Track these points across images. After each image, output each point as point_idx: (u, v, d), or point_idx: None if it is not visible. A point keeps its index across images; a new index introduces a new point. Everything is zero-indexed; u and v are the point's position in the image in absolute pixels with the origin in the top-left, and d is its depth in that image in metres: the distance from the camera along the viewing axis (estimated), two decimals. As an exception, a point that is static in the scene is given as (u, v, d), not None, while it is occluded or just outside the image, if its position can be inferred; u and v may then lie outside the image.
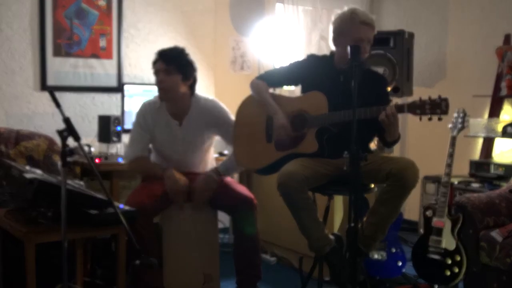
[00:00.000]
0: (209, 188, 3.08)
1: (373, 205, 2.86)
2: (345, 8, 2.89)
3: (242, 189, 3.19)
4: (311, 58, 3.06)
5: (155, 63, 3.09)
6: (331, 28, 2.94)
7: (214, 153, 3.50)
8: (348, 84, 2.47)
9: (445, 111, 2.59)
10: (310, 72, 3.00)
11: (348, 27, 2.84)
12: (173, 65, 3.02)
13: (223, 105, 3.23)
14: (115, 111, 4.20)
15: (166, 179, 3.02)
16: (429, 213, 3.19)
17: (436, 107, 2.60)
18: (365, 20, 2.83)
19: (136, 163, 3.18)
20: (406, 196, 2.81)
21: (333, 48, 2.98)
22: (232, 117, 3.20)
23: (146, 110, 3.16)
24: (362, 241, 2.73)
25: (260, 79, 3.11)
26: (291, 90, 4.16)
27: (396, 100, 3.14)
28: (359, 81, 2.44)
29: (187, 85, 3.11)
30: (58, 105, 2.32)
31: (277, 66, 3.32)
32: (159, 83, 3.06)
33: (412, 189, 2.76)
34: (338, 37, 2.91)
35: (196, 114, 3.15)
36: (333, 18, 2.93)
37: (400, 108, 2.68)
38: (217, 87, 4.73)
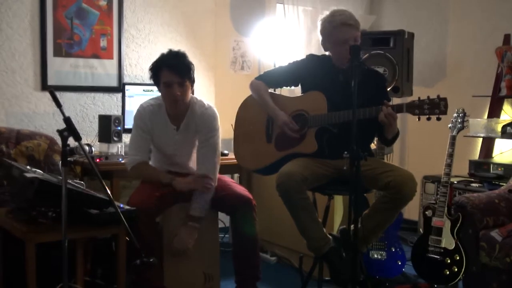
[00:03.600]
0: (192, 239, 3.07)
1: (369, 211, 2.86)
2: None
3: (241, 190, 3.19)
4: (311, 57, 3.07)
5: (159, 70, 3.01)
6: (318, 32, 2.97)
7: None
8: (347, 83, 2.48)
9: (444, 111, 2.58)
10: (309, 72, 3.01)
11: (329, 31, 2.88)
12: (187, 77, 3.01)
13: (216, 114, 3.17)
14: (115, 111, 4.22)
15: (177, 185, 3.03)
16: (428, 212, 3.20)
17: (434, 107, 2.59)
18: (344, 21, 2.84)
19: (137, 169, 3.15)
20: (402, 207, 2.85)
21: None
22: (218, 128, 3.16)
23: (144, 113, 3.13)
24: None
25: (259, 80, 3.12)
26: (291, 90, 4.15)
27: (395, 100, 3.14)
28: (359, 80, 2.44)
29: (192, 89, 3.11)
30: (58, 105, 2.33)
31: (277, 66, 3.32)
32: (175, 97, 2.99)
33: (409, 201, 2.78)
34: (324, 41, 2.95)
35: (191, 119, 3.14)
36: (318, 23, 2.95)
37: (398, 108, 2.68)
38: (217, 87, 4.73)
